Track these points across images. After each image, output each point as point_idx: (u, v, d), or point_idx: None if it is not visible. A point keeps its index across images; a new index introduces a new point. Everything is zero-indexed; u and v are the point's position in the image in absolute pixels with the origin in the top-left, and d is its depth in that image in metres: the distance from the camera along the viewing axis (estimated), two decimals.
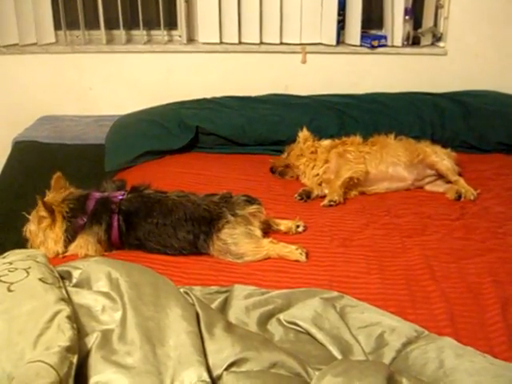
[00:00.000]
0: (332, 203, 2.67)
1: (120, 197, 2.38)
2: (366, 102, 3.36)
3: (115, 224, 2.33)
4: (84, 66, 3.86)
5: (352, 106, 3.32)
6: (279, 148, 3.16)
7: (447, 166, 2.82)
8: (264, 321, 1.83)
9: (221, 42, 3.70)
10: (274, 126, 3.25)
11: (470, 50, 3.60)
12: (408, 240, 2.38)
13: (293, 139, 3.07)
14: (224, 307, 1.91)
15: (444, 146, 3.01)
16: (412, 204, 2.70)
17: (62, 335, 1.46)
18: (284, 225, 2.47)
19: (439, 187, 2.84)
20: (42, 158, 3.50)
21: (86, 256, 2.31)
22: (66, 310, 1.54)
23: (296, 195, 2.74)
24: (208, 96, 3.57)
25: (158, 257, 2.31)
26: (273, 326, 1.82)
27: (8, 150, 3.61)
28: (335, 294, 1.97)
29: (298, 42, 3.67)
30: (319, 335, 1.74)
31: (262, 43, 3.68)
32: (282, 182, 2.95)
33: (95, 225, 2.34)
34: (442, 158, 2.84)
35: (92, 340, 1.53)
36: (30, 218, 2.40)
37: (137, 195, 2.39)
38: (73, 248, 2.36)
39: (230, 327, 1.63)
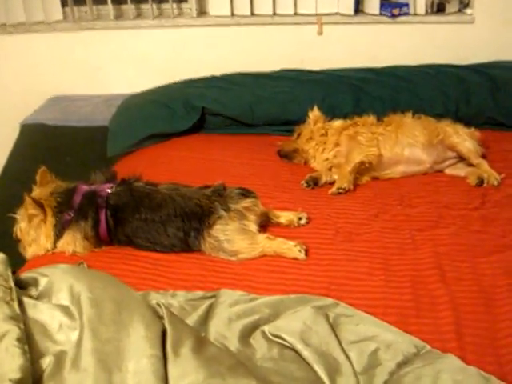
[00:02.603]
0: (341, 191, 2.47)
1: (108, 190, 2.22)
2: (384, 76, 3.11)
3: (103, 219, 2.19)
4: (92, 43, 3.71)
5: (369, 81, 3.08)
6: (290, 128, 2.96)
7: (469, 147, 2.58)
8: (247, 334, 1.67)
9: (232, 15, 3.49)
10: (284, 104, 3.04)
11: (500, 17, 3.29)
12: (419, 234, 2.17)
13: (304, 119, 2.85)
14: (207, 316, 1.76)
15: (468, 124, 2.76)
16: (428, 191, 2.47)
17: (11, 362, 1.33)
18: (285, 217, 2.28)
19: (460, 171, 2.60)
20: (49, 142, 3.41)
21: (74, 253, 2.20)
22: (15, 331, 1.40)
23: (303, 182, 2.54)
24: (219, 72, 3.37)
25: (147, 254, 2.16)
26: (256, 340, 1.65)
27: (16, 134, 3.51)
28: (330, 301, 1.79)
29: (314, 13, 3.43)
30: (305, 352, 1.57)
31: (275, 14, 3.46)
32: (290, 166, 2.75)
33: (82, 220, 2.20)
34: (464, 139, 2.59)
35: (44, 366, 1.40)
36: (19, 216, 2.28)
37: (126, 188, 2.23)
38: (60, 245, 2.23)
39: (199, 346, 1.47)
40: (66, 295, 1.58)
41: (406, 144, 2.60)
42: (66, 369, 1.41)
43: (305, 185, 2.54)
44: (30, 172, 2.37)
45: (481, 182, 2.47)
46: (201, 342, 1.50)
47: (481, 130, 2.78)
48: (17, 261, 2.26)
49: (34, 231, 2.25)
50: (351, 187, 2.49)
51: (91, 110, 3.61)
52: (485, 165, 2.53)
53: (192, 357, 1.41)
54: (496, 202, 2.36)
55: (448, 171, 2.62)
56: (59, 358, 1.43)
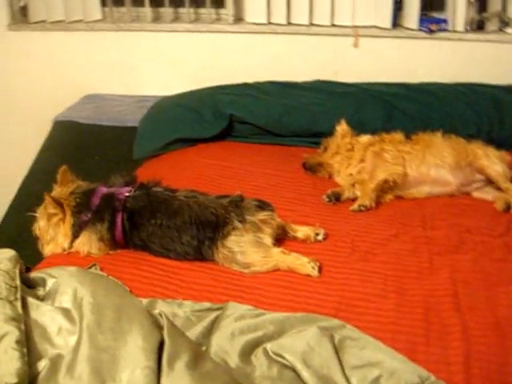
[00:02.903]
0: (362, 208, 2.42)
1: (126, 194, 2.22)
2: (417, 93, 3.05)
3: (119, 222, 2.19)
4: (129, 44, 3.74)
5: (401, 97, 3.02)
6: (318, 140, 2.91)
7: (498, 171, 2.50)
8: (249, 350, 1.64)
9: (268, 23, 3.47)
10: (314, 116, 3.00)
11: None
12: (438, 258, 2.10)
13: (332, 132, 2.81)
14: (211, 328, 1.74)
15: (501, 146, 2.68)
16: (452, 214, 2.40)
17: (9, 365, 1.33)
18: (302, 232, 2.24)
19: (488, 194, 2.52)
20: (79, 140, 3.44)
21: (89, 254, 2.21)
22: (15, 333, 1.40)
23: (324, 196, 2.50)
24: (253, 79, 3.35)
25: (160, 260, 2.15)
26: (257, 357, 1.63)
27: (48, 130, 3.55)
28: (336, 322, 1.75)
29: (351, 25, 3.37)
30: (305, 373, 1.54)
31: (311, 25, 3.42)
32: (314, 179, 2.71)
33: (98, 222, 2.20)
34: (494, 162, 2.51)
35: (39, 368, 1.40)
36: (38, 214, 2.29)
37: (144, 193, 2.23)
38: (76, 245, 2.24)
39: (195, 361, 1.46)
40: (69, 298, 1.59)
41: (433, 164, 2.54)
42: (61, 374, 1.41)
43: (326, 199, 2.50)
44: (57, 168, 2.38)
45: (508, 207, 2.39)
46: (198, 357, 1.48)
47: None
48: (39, 257, 2.29)
49: (52, 230, 2.26)
50: (373, 205, 2.44)
51: (123, 110, 3.62)
52: None
53: (186, 372, 1.39)
54: None
55: (475, 194, 2.55)
56: (55, 362, 1.43)
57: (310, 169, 2.72)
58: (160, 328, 1.54)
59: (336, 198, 2.50)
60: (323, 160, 2.71)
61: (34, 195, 2.84)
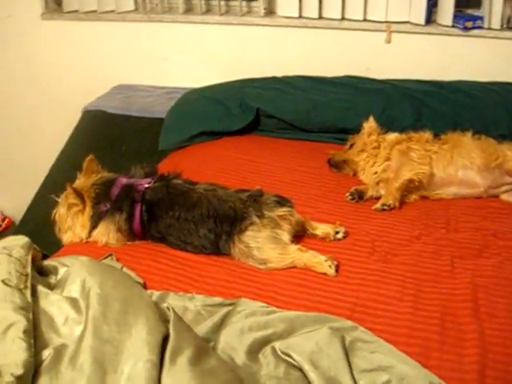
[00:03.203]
0: (385, 207, 2.37)
1: (146, 185, 2.21)
2: (448, 91, 2.96)
3: (137, 213, 2.18)
4: (160, 35, 3.72)
5: (432, 95, 2.94)
6: (345, 137, 2.86)
7: None
8: (257, 348, 1.62)
9: (300, 16, 3.41)
10: (341, 112, 2.95)
11: None
12: (459, 262, 2.04)
13: (360, 129, 2.76)
14: (221, 324, 1.72)
15: None
16: (478, 216, 2.33)
17: (16, 355, 1.33)
18: (322, 229, 2.20)
19: None
20: (108, 130, 3.45)
21: (107, 244, 2.22)
22: (23, 323, 1.41)
23: (347, 194, 2.46)
24: (283, 73, 3.31)
25: (177, 253, 2.15)
26: (265, 356, 1.60)
27: (78, 119, 3.57)
28: (349, 323, 1.71)
29: (384, 20, 3.29)
30: (312, 374, 1.51)
31: (343, 19, 3.35)
32: (338, 176, 2.67)
33: (117, 213, 2.20)
34: None
35: (44, 357, 1.40)
36: (60, 201, 2.30)
37: (163, 185, 2.22)
38: (95, 235, 2.24)
39: (199, 356, 1.44)
40: (78, 288, 1.59)
41: (461, 165, 2.47)
42: (64, 364, 1.40)
43: (349, 197, 2.45)
44: (83, 159, 2.39)
45: None
46: (201, 353, 1.46)
47: None
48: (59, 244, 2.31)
49: (71, 219, 2.27)
50: (397, 204, 2.39)
51: (153, 101, 3.62)
52: None
53: (187, 368, 1.37)
54: None
55: (504, 197, 2.47)
56: (59, 351, 1.43)
57: (335, 166, 2.68)
58: (166, 322, 1.52)
59: (359, 196, 2.45)
60: (348, 157, 2.66)
61: (59, 184, 2.86)
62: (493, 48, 3.17)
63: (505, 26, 3.12)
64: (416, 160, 2.47)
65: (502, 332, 1.71)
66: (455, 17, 3.16)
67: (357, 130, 2.78)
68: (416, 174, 2.43)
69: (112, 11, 3.71)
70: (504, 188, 2.48)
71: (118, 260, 2.09)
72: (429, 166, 2.45)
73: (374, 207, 2.39)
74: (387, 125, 2.76)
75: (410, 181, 2.42)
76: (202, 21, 3.61)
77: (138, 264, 2.07)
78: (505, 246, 2.13)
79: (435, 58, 3.28)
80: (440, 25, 3.23)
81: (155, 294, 1.86)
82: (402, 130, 2.73)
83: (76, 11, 3.74)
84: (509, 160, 2.46)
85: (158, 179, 2.25)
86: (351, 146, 2.72)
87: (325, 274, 1.99)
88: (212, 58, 3.67)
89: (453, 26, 3.18)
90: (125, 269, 2.01)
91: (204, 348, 1.49)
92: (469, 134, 2.58)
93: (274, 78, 3.24)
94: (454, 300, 1.85)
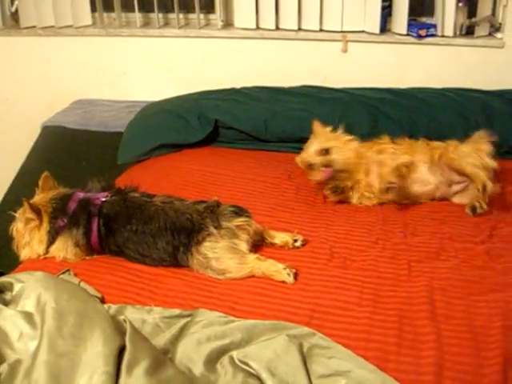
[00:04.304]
0: (391, 185, 2.40)
1: (103, 199, 2.20)
2: (404, 98, 3.00)
3: (94, 228, 2.16)
4: (119, 49, 3.73)
5: (388, 103, 2.98)
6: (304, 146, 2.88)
7: (467, 161, 2.43)
8: (215, 358, 1.61)
9: (257, 28, 3.45)
10: (299, 122, 2.96)
11: None
12: (417, 265, 2.06)
13: None
14: (180, 335, 1.71)
15: None
16: (435, 220, 2.36)
17: None
18: (280, 238, 2.21)
19: (467, 199, 2.47)
20: (67, 145, 3.44)
21: (65, 259, 2.19)
22: None
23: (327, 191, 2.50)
24: (242, 85, 3.34)
25: (136, 266, 2.13)
26: (223, 365, 1.59)
27: (37, 135, 3.54)
28: (306, 330, 1.71)
29: (339, 30, 3.35)
30: (270, 382, 1.51)
31: (300, 30, 3.40)
32: (297, 185, 2.67)
33: (74, 227, 2.18)
34: (465, 155, 2.44)
35: None
36: (17, 216, 2.28)
37: (120, 198, 2.20)
38: (52, 250, 2.22)
39: (155, 367, 1.42)
40: (33, 303, 1.57)
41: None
42: (19, 380, 1.39)
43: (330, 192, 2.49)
44: (41, 174, 2.37)
45: (473, 209, 2.38)
46: (158, 363, 1.44)
47: (503, 160, 2.66)
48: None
49: (28, 235, 2.24)
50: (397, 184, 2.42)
51: (112, 115, 3.61)
52: (482, 176, 2.38)
53: (143, 378, 1.36)
54: (505, 237, 2.23)
55: (456, 200, 2.50)
56: (14, 367, 1.41)
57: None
58: (123, 334, 1.51)
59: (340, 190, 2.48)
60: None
61: (19, 201, 2.83)
62: (446, 55, 3.24)
63: (457, 33, 3.19)
64: (396, 152, 2.50)
65: (458, 333, 1.73)
66: (409, 25, 3.22)
67: None
68: (401, 161, 2.46)
69: (70, 26, 3.70)
70: (454, 188, 2.50)
71: (75, 275, 2.07)
72: (407, 155, 2.48)
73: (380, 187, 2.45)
74: (344, 133, 2.77)
75: (402, 165, 2.44)
76: (160, 34, 3.62)
77: (96, 278, 2.05)
78: (461, 249, 2.16)
79: (391, 66, 3.33)
80: (395, 33, 3.28)
81: (113, 308, 1.84)
82: (359, 138, 2.74)
83: (34, 27, 3.72)
84: (450, 152, 2.48)
85: (115, 193, 2.23)
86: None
87: (283, 282, 1.99)
88: (171, 71, 3.68)
89: (407, 35, 3.24)
90: (82, 284, 1.99)
91: (161, 359, 1.48)
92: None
93: (232, 90, 3.25)
94: (411, 303, 1.86)
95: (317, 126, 2.62)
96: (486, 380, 1.56)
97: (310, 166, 2.54)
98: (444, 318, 1.79)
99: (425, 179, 2.50)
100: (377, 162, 2.54)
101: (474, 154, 2.45)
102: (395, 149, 2.56)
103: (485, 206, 2.36)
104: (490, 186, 2.35)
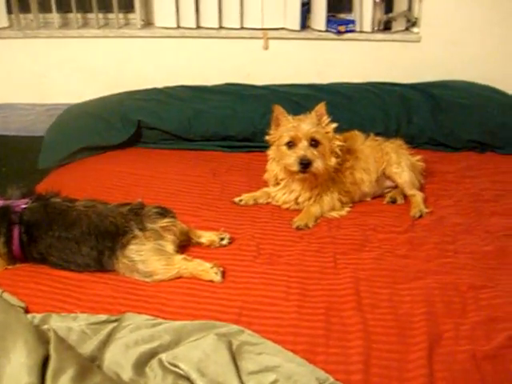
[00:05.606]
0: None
1: (23, 206, 2.13)
2: (325, 93, 3.04)
3: (16, 236, 2.09)
4: (37, 51, 3.65)
5: (310, 98, 3.00)
6: (229, 144, 2.90)
7: (405, 179, 2.51)
8: (143, 362, 1.59)
9: (178, 27, 3.42)
10: (223, 119, 2.97)
11: (446, 36, 3.28)
12: (342, 258, 2.10)
13: (244, 135, 2.79)
14: (106, 341, 1.67)
15: (408, 143, 2.70)
16: (359, 213, 2.42)
17: None
18: (206, 237, 2.21)
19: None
20: None
21: None
22: None
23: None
24: (164, 84, 3.31)
25: (60, 273, 2.07)
26: (152, 369, 1.57)
27: None
28: (235, 328, 1.72)
29: (260, 27, 3.37)
30: (200, 382, 1.50)
31: (221, 28, 3.40)
32: (222, 183, 2.67)
33: None
34: (403, 170, 2.52)
35: None
36: None
37: (41, 204, 2.14)
38: None
39: (82, 375, 1.39)
40: None
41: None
42: None
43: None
44: None
45: (394, 200, 2.48)
46: (85, 371, 1.41)
47: (421, 150, 2.75)
48: None
49: None
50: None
51: (33, 119, 3.55)
52: (418, 197, 2.47)
53: None
54: (425, 226, 2.30)
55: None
56: None
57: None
58: (47, 343, 1.47)
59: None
60: None
61: None
62: (365, 50, 3.31)
63: (376, 28, 3.26)
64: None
65: (384, 322, 1.78)
66: (328, 21, 3.27)
67: (240, 136, 2.81)
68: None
69: None
70: (386, 190, 2.57)
71: None
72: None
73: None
74: (267, 129, 2.78)
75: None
76: (79, 35, 3.56)
77: (19, 288, 1.99)
78: (384, 239, 2.21)
79: (312, 62, 3.38)
80: (314, 30, 3.33)
81: (37, 317, 1.79)
82: None
83: None
84: (390, 164, 2.53)
85: (35, 199, 2.17)
86: None
87: (211, 281, 1.99)
88: (92, 72, 3.62)
89: (327, 31, 3.29)
90: (5, 294, 1.92)
91: (88, 366, 1.45)
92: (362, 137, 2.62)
93: (154, 90, 3.23)
94: (337, 295, 1.90)
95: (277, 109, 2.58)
96: (413, 365, 1.61)
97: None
98: (370, 308, 1.83)
99: (366, 193, 2.54)
100: None
101: (408, 168, 2.53)
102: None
103: (417, 214, 2.41)
104: (424, 212, 2.41)
